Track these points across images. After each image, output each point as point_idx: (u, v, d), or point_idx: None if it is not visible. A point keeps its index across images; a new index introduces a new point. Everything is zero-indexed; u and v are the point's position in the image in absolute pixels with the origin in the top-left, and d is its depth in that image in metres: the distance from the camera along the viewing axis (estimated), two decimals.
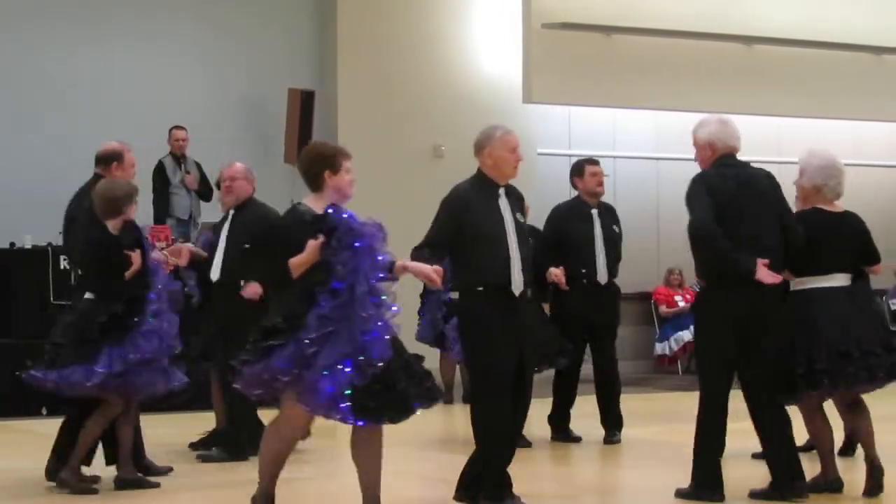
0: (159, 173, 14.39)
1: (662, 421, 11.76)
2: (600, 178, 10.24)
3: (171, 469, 8.65)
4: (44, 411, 11.58)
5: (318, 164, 6.69)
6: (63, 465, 8.15)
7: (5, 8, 14.84)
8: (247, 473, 8.75)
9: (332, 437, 10.74)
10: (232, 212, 9.59)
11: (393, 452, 9.90)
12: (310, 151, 6.82)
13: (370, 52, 16.13)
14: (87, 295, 8.10)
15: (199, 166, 14.57)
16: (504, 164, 7.36)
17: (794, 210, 7.85)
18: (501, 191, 7.35)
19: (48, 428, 10.23)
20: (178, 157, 14.49)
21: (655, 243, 17.28)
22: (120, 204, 8.14)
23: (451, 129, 16.27)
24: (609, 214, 10.30)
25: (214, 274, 9.41)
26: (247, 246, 9.29)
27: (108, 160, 8.61)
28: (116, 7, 15.27)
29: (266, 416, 9.54)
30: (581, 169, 10.26)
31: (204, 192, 14.48)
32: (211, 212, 14.29)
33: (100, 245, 8.10)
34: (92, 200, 8.19)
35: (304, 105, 15.49)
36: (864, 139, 18.57)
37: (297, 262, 6.41)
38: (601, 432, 10.07)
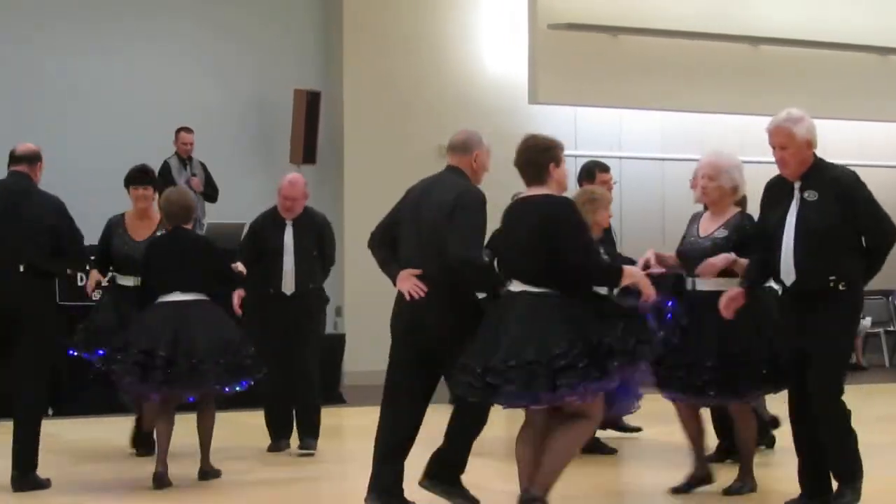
0: (164, 174, 14.38)
1: (662, 422, 11.74)
2: (610, 185, 10.17)
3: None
4: (50, 412, 11.59)
5: (545, 156, 6.74)
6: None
7: (9, 10, 14.85)
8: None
9: (338, 437, 10.78)
10: (289, 223, 9.67)
11: None
12: (535, 144, 6.81)
13: (376, 53, 16.13)
14: (188, 297, 8.28)
15: (204, 168, 14.58)
16: (483, 172, 7.31)
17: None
18: None
19: (54, 428, 10.25)
20: (184, 159, 14.50)
21: (661, 244, 17.16)
22: (192, 212, 8.64)
23: (457, 130, 16.23)
24: None
25: (288, 287, 9.55)
26: (315, 254, 9.70)
27: (33, 159, 8.61)
28: (121, 8, 15.26)
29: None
30: (592, 174, 10.16)
31: (209, 193, 14.50)
32: (216, 213, 14.32)
33: (214, 249, 8.67)
34: (163, 209, 8.67)
35: (309, 106, 15.49)
36: (869, 139, 18.55)
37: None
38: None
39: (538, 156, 6.74)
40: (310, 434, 9.56)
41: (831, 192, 6.89)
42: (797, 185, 6.95)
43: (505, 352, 6.36)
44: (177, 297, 8.27)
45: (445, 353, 6.91)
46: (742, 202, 8.50)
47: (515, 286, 6.55)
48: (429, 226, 7.01)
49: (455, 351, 6.80)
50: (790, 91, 17.19)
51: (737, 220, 7.66)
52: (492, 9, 16.68)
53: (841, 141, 17.97)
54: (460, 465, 7.23)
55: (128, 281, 9.17)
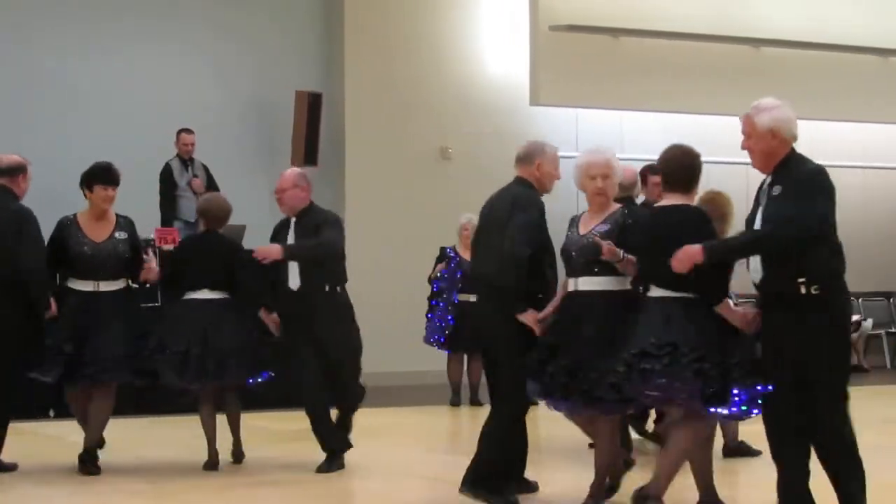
0: (166, 176, 14.40)
1: None
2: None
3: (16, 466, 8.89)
4: (51, 413, 11.59)
5: (698, 165, 6.96)
6: None
7: (9, 9, 14.85)
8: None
9: None
10: (293, 221, 9.21)
11: (401, 454, 9.93)
12: (689, 152, 6.99)
13: (377, 55, 16.14)
14: (215, 295, 8.85)
15: (206, 169, 14.58)
16: (549, 179, 7.62)
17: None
18: None
19: (56, 429, 10.26)
20: (185, 161, 14.51)
21: None
22: (229, 217, 9.22)
23: (459, 132, 16.28)
24: None
25: (294, 282, 9.08)
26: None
27: (14, 171, 8.91)
28: (122, 9, 15.28)
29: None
30: (644, 178, 9.98)
31: None
32: None
33: (244, 253, 9.09)
34: (206, 211, 9.13)
35: (311, 107, 15.50)
36: (872, 141, 18.56)
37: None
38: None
39: (694, 162, 6.94)
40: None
41: (795, 185, 6.42)
42: (768, 179, 6.62)
43: (648, 346, 6.54)
44: (205, 294, 8.83)
45: (497, 354, 7.31)
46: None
47: (654, 291, 6.72)
48: (488, 233, 7.43)
49: (506, 352, 7.18)
50: (791, 93, 16.98)
51: (618, 214, 7.29)
52: (493, 10, 16.69)
53: (842, 142, 17.99)
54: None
55: (86, 286, 8.72)
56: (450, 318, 12.87)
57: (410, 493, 8.33)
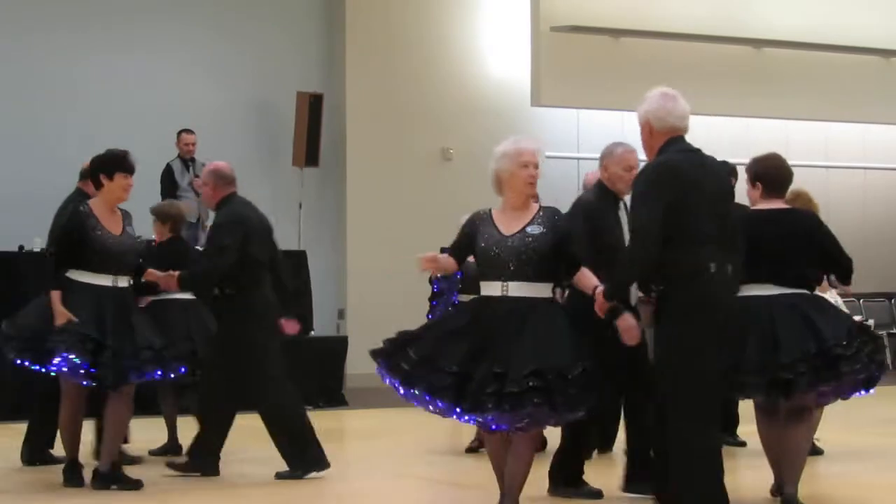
0: (167, 176, 14.41)
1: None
2: None
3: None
4: None
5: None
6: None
7: (14, 16, 14.87)
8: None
9: (338, 440, 10.79)
10: None
11: (401, 454, 9.94)
12: (785, 161, 7.41)
13: (378, 56, 16.15)
14: (189, 295, 9.31)
15: None
16: (619, 180, 7.48)
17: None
18: (622, 203, 7.52)
19: None
20: (187, 161, 14.52)
21: None
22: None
23: (460, 133, 16.28)
24: None
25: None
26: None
27: (82, 176, 9.26)
28: (124, 11, 15.28)
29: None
30: None
31: None
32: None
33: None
34: (169, 216, 9.61)
35: (312, 108, 15.51)
36: (873, 142, 18.56)
37: None
38: None
39: (790, 168, 7.27)
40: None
41: None
42: None
43: (790, 348, 6.75)
44: (179, 294, 9.16)
45: None
46: None
47: (760, 289, 6.87)
48: None
49: None
50: (793, 94, 17.21)
51: (547, 213, 6.70)
52: (494, 11, 16.70)
53: (844, 143, 17.99)
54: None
55: (104, 280, 7.97)
56: None
57: (410, 493, 8.33)
